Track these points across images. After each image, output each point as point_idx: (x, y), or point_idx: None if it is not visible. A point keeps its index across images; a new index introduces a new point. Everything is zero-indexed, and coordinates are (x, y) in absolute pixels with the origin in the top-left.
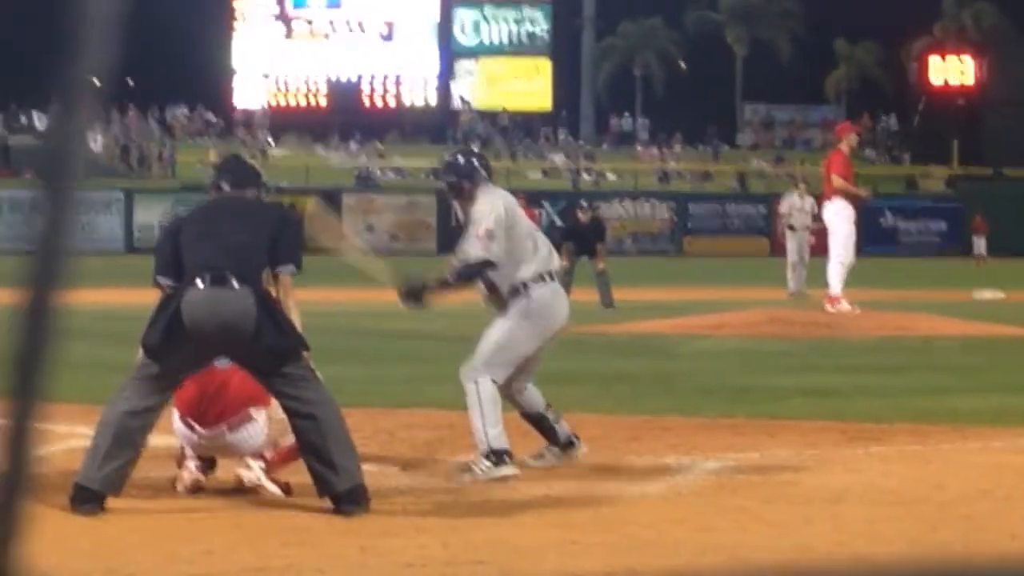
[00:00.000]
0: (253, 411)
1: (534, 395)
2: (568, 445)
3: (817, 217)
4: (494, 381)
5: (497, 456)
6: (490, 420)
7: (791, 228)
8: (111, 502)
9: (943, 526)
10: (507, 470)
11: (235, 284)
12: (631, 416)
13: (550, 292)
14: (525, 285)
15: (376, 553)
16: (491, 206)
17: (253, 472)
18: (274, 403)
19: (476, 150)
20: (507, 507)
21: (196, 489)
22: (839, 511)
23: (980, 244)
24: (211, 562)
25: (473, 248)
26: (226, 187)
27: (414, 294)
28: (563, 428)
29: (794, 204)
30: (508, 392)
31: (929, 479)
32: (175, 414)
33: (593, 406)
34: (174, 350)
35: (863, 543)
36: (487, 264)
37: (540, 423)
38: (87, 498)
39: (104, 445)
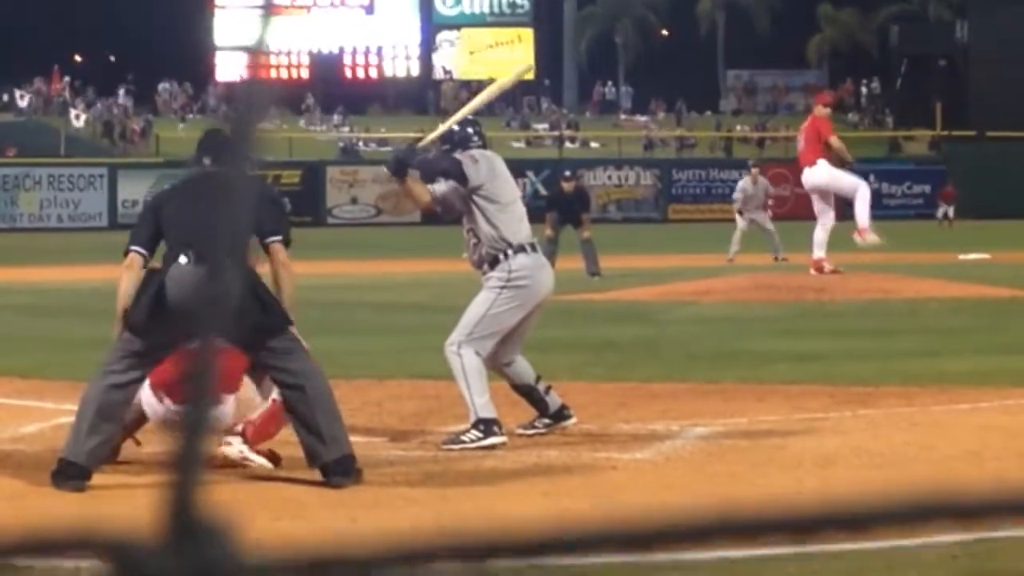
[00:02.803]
0: (224, 395)
1: (523, 367)
2: (559, 415)
3: (771, 198)
4: (477, 353)
5: (485, 425)
6: (476, 390)
7: (740, 213)
8: (99, 478)
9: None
10: (495, 439)
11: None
12: (619, 383)
13: (532, 262)
14: (506, 254)
15: (367, 524)
16: (479, 154)
17: (234, 448)
18: (245, 383)
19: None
20: (497, 476)
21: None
22: (828, 474)
23: (948, 209)
24: None
25: (461, 159)
26: (207, 162)
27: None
28: (554, 398)
29: (747, 191)
30: (496, 365)
31: (918, 441)
32: (145, 383)
33: (581, 374)
34: (158, 326)
35: None
36: (460, 174)
37: (530, 395)
38: (73, 473)
39: (88, 419)
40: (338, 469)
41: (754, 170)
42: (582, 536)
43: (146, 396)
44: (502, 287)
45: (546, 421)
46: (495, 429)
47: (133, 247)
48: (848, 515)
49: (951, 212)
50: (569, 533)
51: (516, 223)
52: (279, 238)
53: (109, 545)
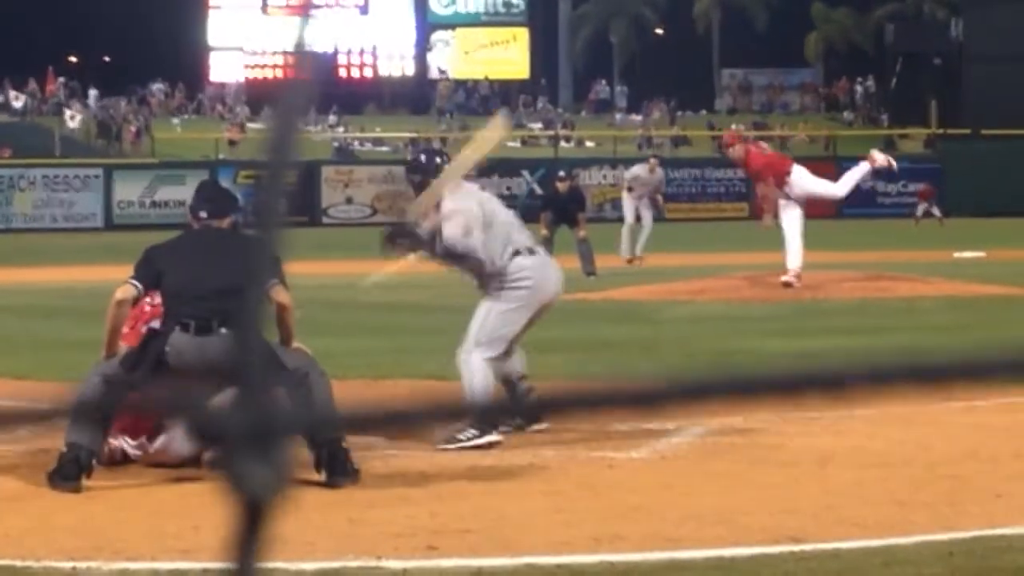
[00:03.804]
0: (164, 421)
1: (515, 360)
2: (531, 417)
3: (663, 193)
4: (487, 358)
5: (483, 424)
6: (478, 390)
7: (629, 189)
8: (98, 480)
9: (929, 486)
10: (491, 437)
11: (220, 330)
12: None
13: (531, 263)
14: (508, 263)
15: (364, 524)
16: (464, 206)
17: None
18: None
19: (437, 148)
20: (494, 475)
21: (112, 461)
22: (826, 473)
23: (927, 207)
24: (198, 537)
25: (452, 231)
26: (204, 215)
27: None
28: (532, 402)
29: (639, 177)
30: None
31: (914, 440)
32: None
33: (577, 373)
34: (156, 381)
35: (850, 504)
36: (463, 249)
37: (509, 388)
38: (69, 473)
39: (84, 409)
40: (335, 468)
41: (652, 160)
42: (596, 395)
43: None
44: (501, 289)
45: (518, 421)
46: (491, 428)
47: (132, 280)
48: (831, 377)
49: (935, 210)
50: (584, 393)
51: (502, 242)
52: (276, 281)
53: (191, 408)
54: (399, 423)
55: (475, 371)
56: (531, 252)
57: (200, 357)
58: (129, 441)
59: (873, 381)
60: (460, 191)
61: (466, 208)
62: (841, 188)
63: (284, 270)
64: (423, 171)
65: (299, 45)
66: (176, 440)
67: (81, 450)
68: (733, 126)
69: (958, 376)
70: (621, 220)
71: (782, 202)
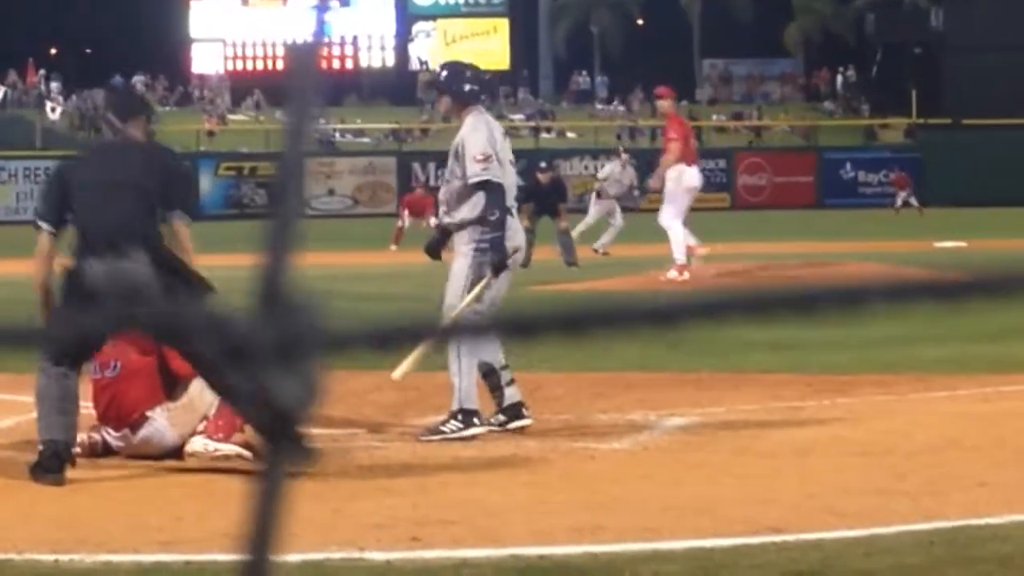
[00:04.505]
0: (148, 412)
1: (496, 350)
2: (513, 411)
3: (637, 187)
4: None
5: (465, 416)
6: (466, 372)
7: (599, 195)
8: (80, 472)
9: (911, 475)
10: (475, 430)
11: (130, 253)
12: (596, 373)
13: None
14: (478, 221)
15: (346, 515)
16: (484, 132)
17: (198, 444)
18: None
19: (468, 64)
20: (476, 467)
21: (94, 453)
22: (807, 463)
23: (900, 197)
24: (181, 529)
25: (473, 169)
26: (113, 119)
27: (431, 249)
28: (512, 393)
29: (613, 174)
30: None
31: (896, 429)
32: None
33: (558, 364)
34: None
35: (831, 494)
36: (489, 184)
37: (490, 378)
38: (51, 466)
39: (54, 403)
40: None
41: (624, 156)
42: (614, 310)
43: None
44: (475, 255)
45: (501, 418)
46: (475, 420)
47: (42, 223)
48: (851, 293)
49: (912, 199)
50: (604, 308)
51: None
52: (181, 214)
53: (211, 319)
54: (431, 336)
55: (463, 351)
56: (512, 213)
57: (113, 283)
58: (111, 432)
59: (891, 296)
60: (479, 118)
61: (491, 133)
62: (666, 220)
63: (192, 205)
64: (439, 87)
65: (316, 35)
66: (159, 431)
67: (58, 444)
68: (714, 116)
69: (974, 292)
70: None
71: (670, 189)
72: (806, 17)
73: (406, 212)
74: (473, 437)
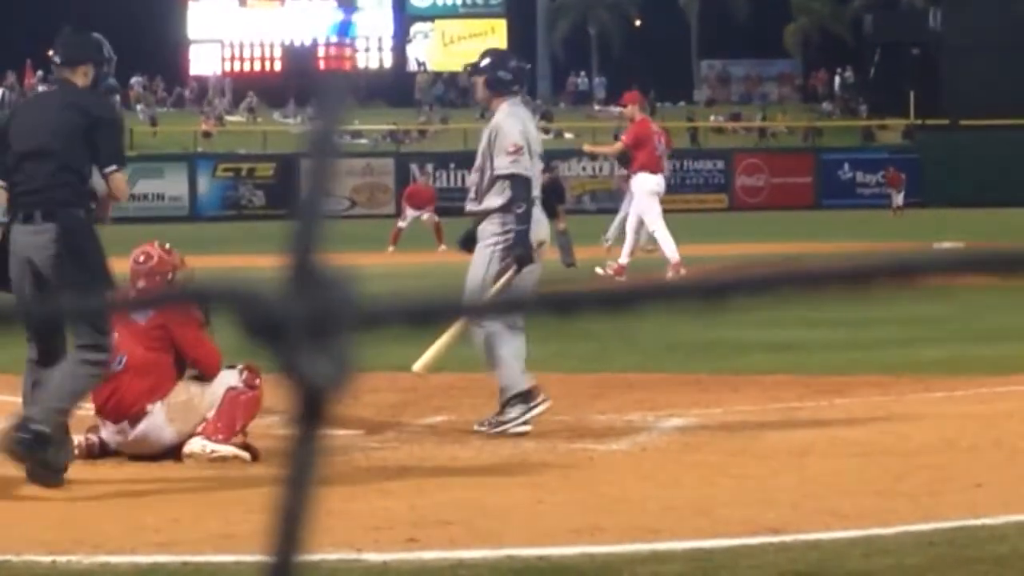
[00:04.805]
0: (148, 406)
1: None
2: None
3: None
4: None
5: (521, 399)
6: (505, 362)
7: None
8: (78, 473)
9: (908, 476)
10: (536, 411)
11: (40, 218)
12: (595, 374)
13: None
14: (504, 210)
15: (343, 517)
16: (517, 125)
17: (196, 445)
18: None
19: (509, 54)
20: (473, 467)
21: (91, 455)
22: (805, 463)
23: (898, 197)
24: (177, 530)
25: (502, 162)
26: (58, 61)
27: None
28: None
29: None
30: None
31: (893, 430)
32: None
33: (557, 365)
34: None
35: (829, 494)
36: (516, 177)
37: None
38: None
39: (26, 391)
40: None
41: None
42: (668, 288)
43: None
44: (496, 247)
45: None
46: (531, 400)
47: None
48: (906, 265)
49: (899, 199)
50: (657, 287)
51: None
52: (114, 168)
53: (239, 295)
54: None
55: (498, 342)
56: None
57: (19, 248)
58: (109, 426)
59: (945, 268)
60: (513, 108)
61: (523, 126)
62: (651, 226)
63: (124, 154)
64: (477, 73)
65: (342, 34)
66: (156, 427)
67: (28, 421)
68: (712, 117)
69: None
70: (601, 212)
71: (640, 201)
72: (804, 17)
73: (408, 210)
74: (540, 413)
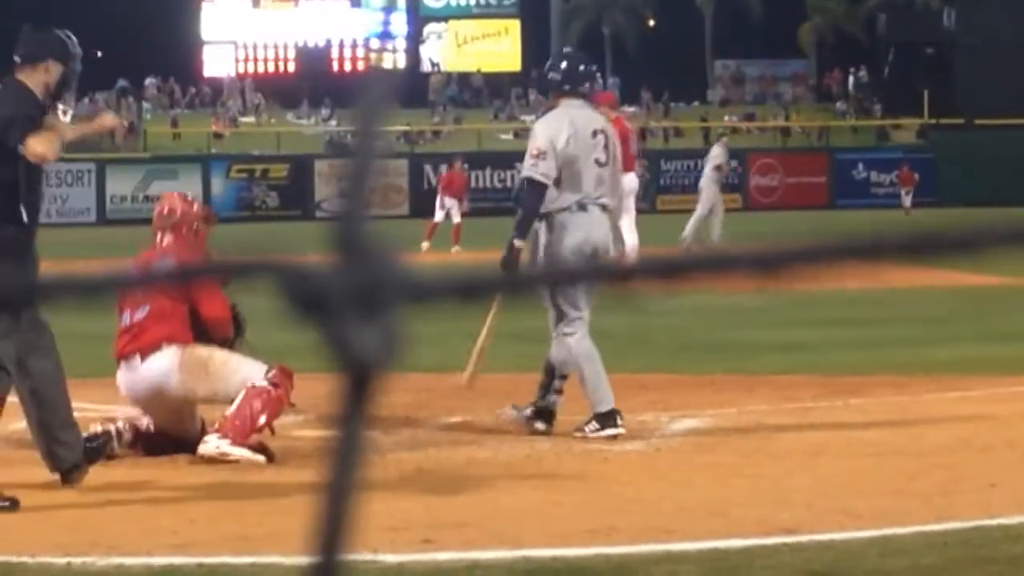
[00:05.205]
0: (164, 345)
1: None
2: (545, 413)
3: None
4: (572, 332)
5: (601, 419)
6: (589, 379)
7: (713, 173)
8: (92, 475)
9: (923, 476)
10: (612, 430)
11: None
12: (609, 374)
13: (572, 217)
14: (550, 214)
15: (359, 518)
16: (552, 127)
17: (211, 445)
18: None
19: (575, 54)
20: (489, 468)
21: (134, 443)
22: (819, 464)
23: (906, 198)
24: (193, 532)
25: (524, 164)
26: (17, 60)
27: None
28: (554, 402)
29: (718, 157)
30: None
31: (908, 430)
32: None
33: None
34: None
35: (844, 494)
36: (531, 182)
37: (547, 374)
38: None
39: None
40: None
41: (725, 140)
42: (719, 258)
43: (118, 377)
44: (544, 249)
45: (527, 412)
46: (614, 421)
47: None
48: (966, 238)
49: (908, 199)
50: (708, 257)
51: (574, 187)
52: (22, 136)
53: (284, 269)
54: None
55: (577, 354)
56: (583, 208)
57: None
58: (123, 366)
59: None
60: (560, 110)
61: (551, 129)
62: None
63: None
64: (539, 81)
65: (384, 36)
66: (163, 368)
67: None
68: (726, 118)
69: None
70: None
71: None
72: (818, 17)
73: (445, 199)
74: (611, 437)
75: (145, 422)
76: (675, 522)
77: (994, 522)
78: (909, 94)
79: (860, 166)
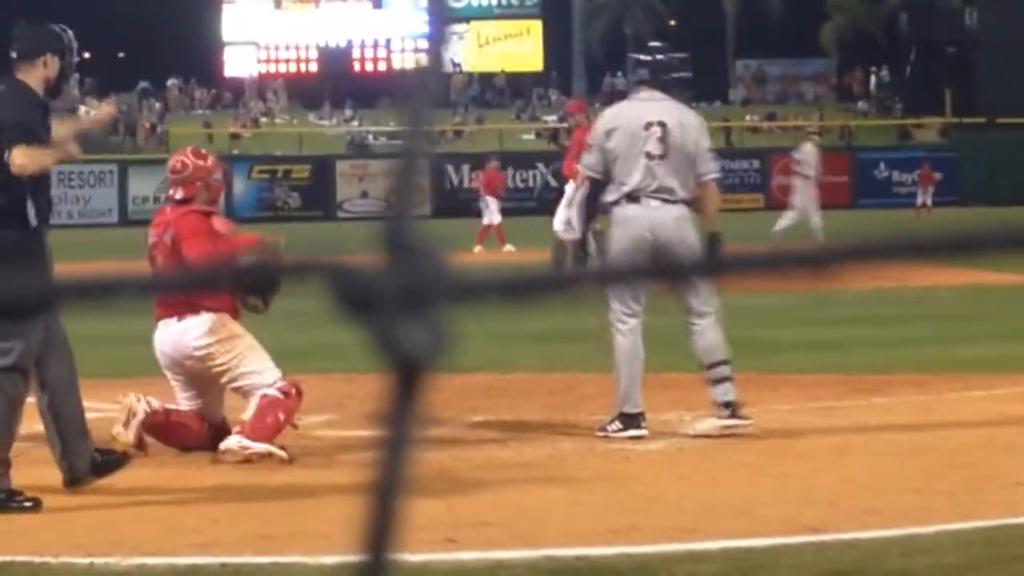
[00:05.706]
0: (202, 309)
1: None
2: (727, 407)
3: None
4: (623, 331)
5: (624, 419)
6: (623, 378)
7: (807, 177)
8: (115, 475)
9: (947, 475)
10: (633, 432)
11: None
12: None
13: (623, 210)
14: (608, 208)
15: None
16: (601, 121)
17: (232, 441)
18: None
19: (660, 46)
20: (511, 467)
21: (140, 445)
22: (843, 463)
23: (926, 196)
24: (216, 531)
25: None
26: (14, 56)
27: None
28: (721, 389)
29: (809, 155)
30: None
31: (932, 429)
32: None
33: (592, 365)
34: None
35: (868, 493)
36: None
37: (704, 368)
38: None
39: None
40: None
41: (816, 137)
42: (770, 257)
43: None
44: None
45: (724, 415)
46: (636, 423)
47: None
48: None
49: (928, 200)
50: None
51: (621, 179)
52: (16, 142)
53: (332, 268)
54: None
55: (619, 352)
56: (633, 200)
57: None
58: (160, 327)
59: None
60: (625, 101)
61: (602, 120)
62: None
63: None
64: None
65: (431, 37)
66: (188, 325)
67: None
68: (747, 117)
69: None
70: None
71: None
72: (839, 17)
73: (488, 199)
74: (633, 438)
75: (165, 406)
76: (697, 521)
77: (1019, 521)
78: (931, 93)
79: (882, 165)
